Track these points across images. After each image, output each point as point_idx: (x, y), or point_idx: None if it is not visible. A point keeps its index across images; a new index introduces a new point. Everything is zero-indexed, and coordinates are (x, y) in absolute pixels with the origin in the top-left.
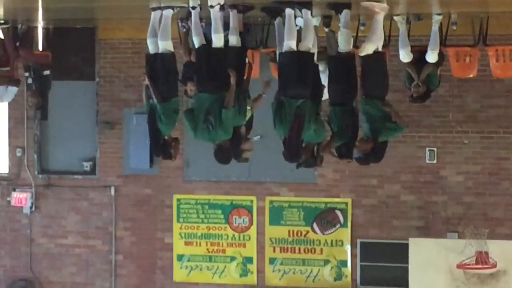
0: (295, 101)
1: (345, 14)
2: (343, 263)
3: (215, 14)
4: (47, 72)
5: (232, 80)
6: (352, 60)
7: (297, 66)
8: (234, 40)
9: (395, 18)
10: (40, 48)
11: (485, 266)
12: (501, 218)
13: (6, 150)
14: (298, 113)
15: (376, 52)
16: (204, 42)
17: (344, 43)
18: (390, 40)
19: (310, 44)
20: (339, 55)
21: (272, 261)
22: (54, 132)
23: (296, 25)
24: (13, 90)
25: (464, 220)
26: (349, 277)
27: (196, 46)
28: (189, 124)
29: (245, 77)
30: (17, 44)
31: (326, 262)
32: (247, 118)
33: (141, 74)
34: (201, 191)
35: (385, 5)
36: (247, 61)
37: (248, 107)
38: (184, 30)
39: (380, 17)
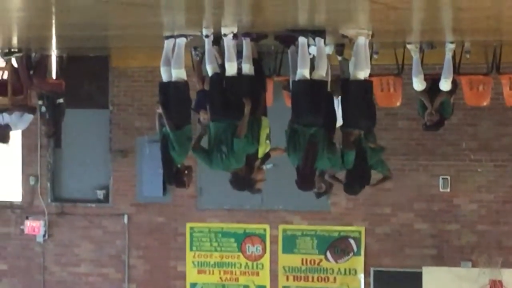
0: (309, 129)
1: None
2: None
3: (228, 43)
4: (60, 100)
5: (246, 110)
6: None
7: (311, 95)
8: (247, 68)
9: (408, 46)
10: (54, 76)
11: None
12: None
13: (20, 178)
14: (312, 141)
15: (360, 80)
16: (218, 71)
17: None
18: (403, 69)
19: (324, 72)
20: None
21: None
22: (67, 160)
23: (310, 54)
24: (28, 118)
25: (478, 249)
26: None
27: (210, 74)
28: (201, 158)
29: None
30: (31, 72)
31: None
32: (265, 151)
33: (154, 103)
34: (214, 219)
35: (364, 30)
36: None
37: (267, 141)
38: (198, 58)
39: (360, 41)
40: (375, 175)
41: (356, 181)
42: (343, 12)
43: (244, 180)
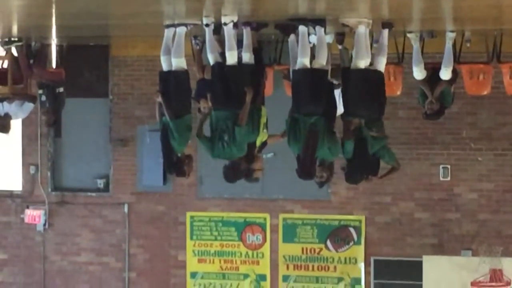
0: (309, 118)
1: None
2: (357, 280)
3: (229, 32)
4: (60, 90)
5: (248, 98)
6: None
7: (311, 84)
8: (247, 57)
9: (408, 35)
10: (54, 65)
11: (499, 284)
12: None
13: (20, 167)
14: (312, 130)
15: (360, 69)
16: (219, 60)
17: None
18: (403, 57)
19: (324, 61)
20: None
21: (285, 278)
22: (67, 150)
23: (310, 43)
24: (28, 106)
25: (478, 238)
26: None
27: (211, 63)
28: (205, 145)
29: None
30: (31, 61)
31: (340, 279)
32: (262, 140)
33: (154, 92)
34: (214, 208)
35: (364, 19)
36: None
37: (264, 130)
38: (198, 47)
39: (361, 30)
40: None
41: (357, 170)
42: (344, 1)
43: (238, 171)
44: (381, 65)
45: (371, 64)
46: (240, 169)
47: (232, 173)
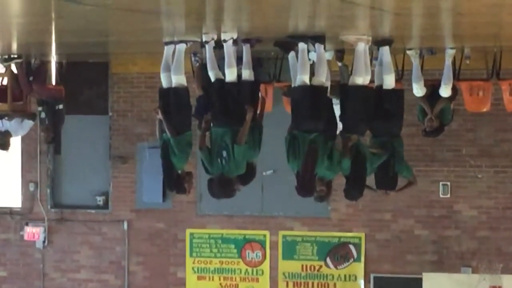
0: (308, 135)
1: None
2: None
3: (228, 49)
4: (60, 107)
5: (248, 116)
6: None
7: (310, 100)
8: (247, 74)
9: (408, 52)
10: (53, 82)
11: None
12: None
13: (19, 184)
14: (312, 147)
15: (358, 86)
16: (221, 76)
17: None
18: (403, 74)
19: (323, 78)
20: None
21: None
22: (67, 167)
23: (309, 60)
24: (28, 124)
25: (478, 255)
26: None
27: (212, 80)
28: (205, 160)
29: (258, 112)
30: (31, 78)
31: None
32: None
33: (154, 108)
34: (214, 226)
35: (364, 36)
36: (260, 95)
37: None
38: (197, 64)
39: (360, 48)
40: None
41: (355, 186)
42: (343, 18)
43: (226, 188)
44: (390, 82)
45: (380, 85)
46: (226, 185)
47: (219, 189)
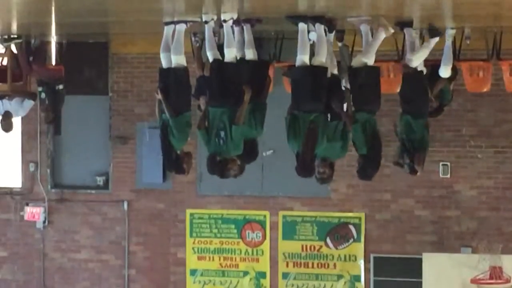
0: (309, 115)
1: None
2: (357, 278)
3: (228, 29)
4: (60, 87)
5: (246, 97)
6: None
7: (310, 81)
8: (251, 53)
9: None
10: (53, 62)
11: (499, 281)
12: None
13: (19, 165)
14: (312, 127)
15: (368, 66)
16: (219, 57)
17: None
18: (403, 54)
19: (323, 58)
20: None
21: (285, 276)
22: (67, 147)
23: (309, 40)
24: (29, 104)
25: (478, 235)
26: None
27: (210, 60)
28: (202, 139)
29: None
30: (30, 58)
31: (340, 277)
32: None
33: (154, 89)
34: (214, 206)
35: (365, 17)
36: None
37: None
38: (197, 44)
39: (382, 35)
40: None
41: (372, 165)
42: None
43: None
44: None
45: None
46: (223, 166)
47: (215, 167)
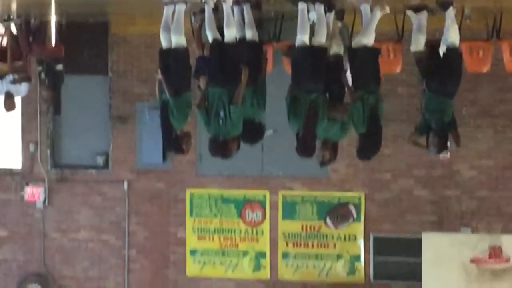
0: (309, 95)
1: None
2: (356, 257)
3: (228, 9)
4: (60, 67)
5: (243, 77)
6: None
7: (310, 61)
8: (250, 34)
9: (408, 12)
10: (53, 42)
11: (498, 260)
12: None
13: (19, 145)
14: (312, 107)
15: (367, 47)
16: (218, 37)
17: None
18: (403, 35)
19: (323, 38)
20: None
21: (285, 255)
22: (67, 127)
23: (309, 20)
24: (25, 85)
25: (478, 215)
26: (362, 271)
27: (210, 40)
28: (202, 119)
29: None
30: (30, 38)
31: (339, 256)
32: None
33: (154, 69)
34: (214, 186)
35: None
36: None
37: None
38: (197, 24)
39: (378, 14)
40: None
41: (372, 145)
42: None
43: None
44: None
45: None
46: (223, 147)
47: (214, 150)
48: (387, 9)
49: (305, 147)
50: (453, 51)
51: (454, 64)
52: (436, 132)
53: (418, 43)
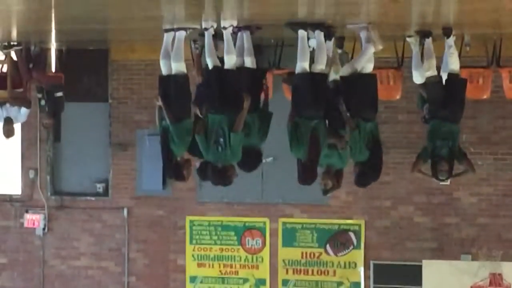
0: (310, 121)
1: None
2: (356, 285)
3: (228, 36)
4: (60, 94)
5: (246, 104)
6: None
7: (311, 87)
8: (249, 61)
9: (408, 39)
10: (53, 69)
11: None
12: None
13: (19, 171)
14: (313, 134)
15: (361, 74)
16: (218, 64)
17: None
18: (403, 62)
19: (323, 66)
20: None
21: (285, 283)
22: (67, 154)
23: (309, 47)
24: (25, 111)
25: (478, 242)
26: None
27: (210, 67)
28: (201, 145)
29: (263, 100)
30: (30, 65)
31: (339, 284)
32: None
33: (154, 96)
34: (214, 213)
35: (365, 24)
36: (264, 82)
37: None
38: (197, 51)
39: (371, 50)
40: None
41: (373, 173)
42: (343, 5)
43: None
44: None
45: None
46: (224, 174)
47: (214, 177)
48: (380, 47)
49: (307, 175)
50: (456, 78)
51: (458, 90)
52: (445, 158)
53: (431, 68)
